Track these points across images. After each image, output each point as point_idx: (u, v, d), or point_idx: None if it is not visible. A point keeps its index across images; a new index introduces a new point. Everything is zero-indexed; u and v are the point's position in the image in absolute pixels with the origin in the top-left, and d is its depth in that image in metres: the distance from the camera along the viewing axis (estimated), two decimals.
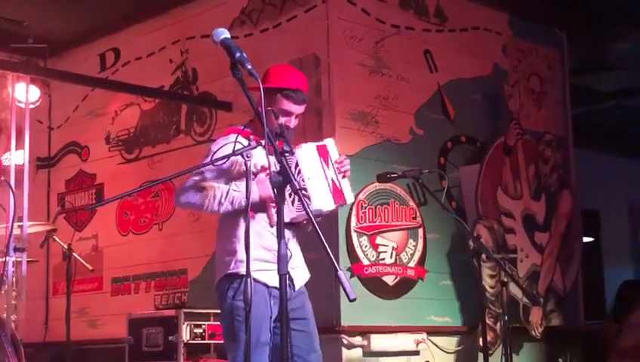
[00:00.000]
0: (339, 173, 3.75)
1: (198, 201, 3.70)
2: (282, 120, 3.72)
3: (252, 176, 3.46)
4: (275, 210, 3.58)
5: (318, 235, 2.87)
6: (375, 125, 6.30)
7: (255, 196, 3.57)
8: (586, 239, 8.26)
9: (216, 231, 3.88)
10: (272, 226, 3.69)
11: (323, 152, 3.72)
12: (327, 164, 3.71)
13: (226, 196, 3.65)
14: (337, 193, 3.69)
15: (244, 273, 3.57)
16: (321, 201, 3.57)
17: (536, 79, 7.71)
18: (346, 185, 3.75)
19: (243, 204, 3.62)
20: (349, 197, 3.76)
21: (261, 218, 3.69)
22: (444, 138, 6.82)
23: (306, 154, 3.65)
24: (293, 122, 3.81)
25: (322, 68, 6.16)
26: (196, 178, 3.70)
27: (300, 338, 3.73)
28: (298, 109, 3.82)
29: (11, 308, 6.00)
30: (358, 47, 6.31)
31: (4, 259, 5.40)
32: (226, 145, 3.63)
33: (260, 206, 3.64)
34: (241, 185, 3.60)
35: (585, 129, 8.44)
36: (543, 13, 7.67)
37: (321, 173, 3.65)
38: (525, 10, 7.53)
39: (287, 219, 3.41)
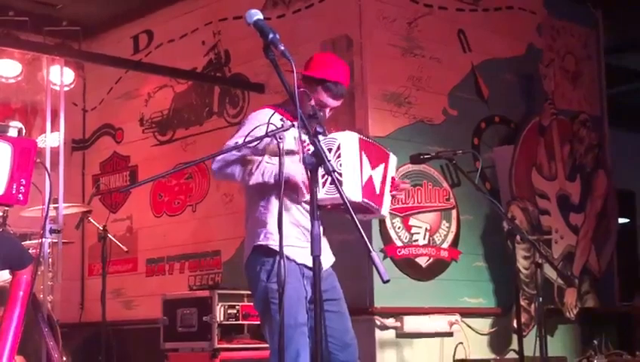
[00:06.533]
0: (392, 187, 3.78)
1: (233, 172, 3.69)
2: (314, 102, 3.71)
3: (285, 155, 3.44)
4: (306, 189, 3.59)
5: (351, 217, 2.86)
6: (408, 106, 6.27)
7: (285, 174, 3.52)
8: (621, 220, 8.17)
9: (245, 206, 3.87)
10: (299, 203, 3.68)
11: (367, 149, 3.69)
12: (372, 164, 3.68)
13: (257, 166, 3.64)
14: (370, 192, 3.66)
15: (274, 246, 3.60)
16: (349, 189, 3.50)
17: (571, 58, 7.61)
18: (387, 198, 3.76)
19: (272, 179, 3.61)
20: (385, 209, 3.77)
21: (290, 195, 3.67)
22: (477, 118, 6.77)
23: (347, 141, 3.61)
24: (327, 113, 3.80)
25: (355, 49, 6.12)
26: (235, 153, 3.67)
27: (334, 319, 3.73)
28: (334, 103, 3.81)
29: (47, 289, 6.07)
30: (391, 27, 6.26)
31: (40, 241, 5.45)
32: (259, 126, 3.61)
33: (290, 185, 3.62)
34: (276, 158, 3.57)
35: (620, 109, 8.33)
36: None
37: (357, 164, 3.61)
38: None
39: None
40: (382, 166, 3.76)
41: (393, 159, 3.85)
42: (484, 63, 6.81)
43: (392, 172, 3.81)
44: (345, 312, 3.84)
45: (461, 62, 6.69)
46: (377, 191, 3.71)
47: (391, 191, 3.80)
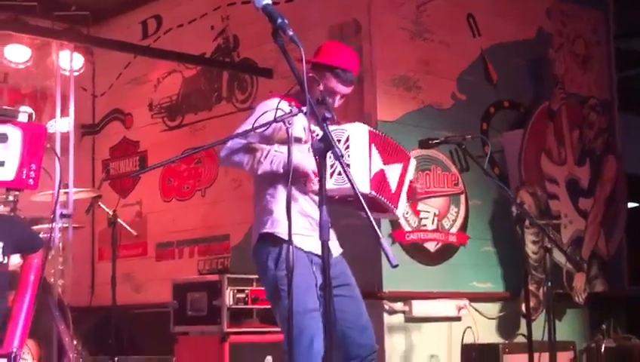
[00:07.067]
0: (408, 191, 3.80)
1: (241, 160, 3.69)
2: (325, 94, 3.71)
3: (294, 143, 3.44)
4: (315, 178, 3.59)
5: (360, 202, 2.86)
6: (417, 90, 6.26)
7: (294, 163, 3.53)
8: (631, 204, 8.15)
9: (253, 194, 3.89)
10: (306, 193, 3.68)
11: (377, 142, 3.68)
12: (385, 159, 3.68)
13: (266, 155, 3.64)
14: (381, 186, 3.65)
15: (280, 234, 3.60)
16: (356, 179, 3.48)
17: (580, 43, 7.58)
18: (403, 199, 3.78)
19: (281, 167, 3.61)
20: (400, 210, 3.77)
21: (297, 182, 3.67)
22: (486, 103, 6.75)
23: (357, 133, 3.61)
24: (337, 102, 3.79)
25: (363, 33, 6.11)
26: (243, 141, 3.69)
27: (347, 304, 3.74)
28: (344, 90, 3.79)
29: (58, 273, 6.10)
30: (400, 11, 6.25)
31: (50, 225, 5.48)
32: (267, 112, 3.62)
33: (299, 174, 3.62)
34: (284, 148, 3.57)
35: (630, 93, 8.29)
36: None
37: (366, 155, 3.60)
38: None
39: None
40: (399, 165, 3.75)
41: (413, 163, 3.86)
42: (493, 47, 6.79)
43: (410, 175, 3.81)
44: (357, 296, 3.85)
45: (470, 46, 6.66)
46: (393, 189, 3.70)
47: (408, 195, 3.81)
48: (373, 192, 3.58)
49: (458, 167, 6.37)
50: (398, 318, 5.92)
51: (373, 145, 3.63)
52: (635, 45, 8.77)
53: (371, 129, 3.70)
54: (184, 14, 7.45)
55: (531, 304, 5.82)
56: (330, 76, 3.75)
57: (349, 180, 2.98)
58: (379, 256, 5.55)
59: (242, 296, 5.52)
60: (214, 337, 5.33)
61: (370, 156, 3.60)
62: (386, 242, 2.79)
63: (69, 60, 6.79)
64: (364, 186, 3.52)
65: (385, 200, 3.64)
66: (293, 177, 3.38)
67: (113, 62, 7.89)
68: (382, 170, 3.66)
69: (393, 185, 3.71)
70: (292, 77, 3.09)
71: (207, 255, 7.10)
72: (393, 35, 6.18)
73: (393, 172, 3.72)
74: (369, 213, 2.84)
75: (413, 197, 3.93)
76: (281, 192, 3.68)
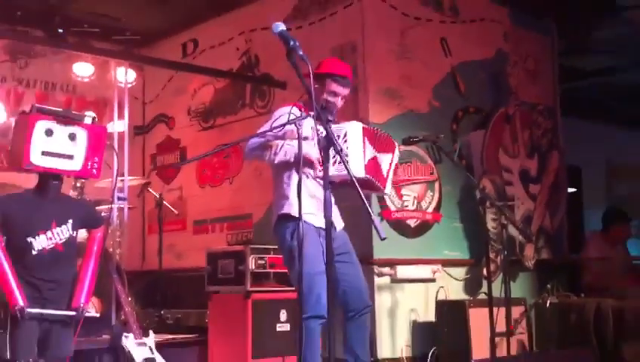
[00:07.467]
0: (394, 174, 3.82)
1: (261, 154, 3.74)
2: (328, 97, 3.74)
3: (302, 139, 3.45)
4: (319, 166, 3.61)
5: (355, 187, 2.86)
6: (400, 99, 6.23)
7: (303, 153, 3.55)
8: (570, 189, 8.14)
9: (272, 181, 3.90)
10: (314, 178, 3.70)
11: (369, 135, 3.69)
12: (376, 149, 3.68)
13: (280, 148, 3.68)
14: (374, 170, 3.65)
15: (294, 213, 3.62)
16: (353, 166, 3.50)
17: (531, 60, 7.55)
18: (390, 181, 3.79)
19: (292, 157, 3.63)
20: (388, 189, 3.80)
21: (307, 171, 3.70)
22: (456, 109, 6.72)
23: (353, 129, 3.63)
24: (339, 102, 3.82)
25: (358, 53, 6.08)
26: (261, 139, 3.72)
27: (347, 268, 3.80)
28: (343, 91, 3.84)
29: (116, 244, 6.11)
30: (387, 36, 6.22)
31: (110, 206, 5.47)
32: (282, 115, 3.66)
33: (306, 162, 3.64)
34: (295, 142, 3.60)
35: (571, 101, 8.26)
36: (537, 6, 7.47)
37: (361, 147, 3.61)
38: (523, 4, 7.34)
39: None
40: (390, 155, 3.77)
41: (397, 152, 3.87)
42: (461, 65, 6.76)
43: (396, 160, 3.84)
44: (355, 262, 3.88)
45: (443, 63, 6.63)
46: (384, 173, 3.72)
47: (394, 177, 3.84)
48: (368, 176, 3.62)
49: (433, 160, 6.35)
50: (385, 280, 5.92)
51: (366, 138, 3.65)
52: (575, 62, 8.73)
53: (365, 125, 3.72)
54: (215, 38, 7.43)
55: (491, 268, 5.80)
56: (331, 81, 3.79)
57: (347, 168, 3.01)
58: (370, 230, 5.53)
59: (262, 262, 5.51)
60: (240, 295, 5.34)
61: (364, 147, 3.63)
62: (376, 219, 2.81)
63: (125, 75, 6.78)
64: (359, 171, 3.56)
65: (377, 182, 3.68)
66: (305, 164, 3.42)
67: (159, 77, 7.87)
68: (375, 157, 3.69)
69: (384, 169, 3.73)
70: (301, 88, 3.09)
71: (234, 230, 7.10)
72: (382, 54, 6.16)
73: (384, 158, 3.74)
74: (362, 195, 2.85)
75: (397, 179, 3.97)
76: (294, 180, 3.70)
